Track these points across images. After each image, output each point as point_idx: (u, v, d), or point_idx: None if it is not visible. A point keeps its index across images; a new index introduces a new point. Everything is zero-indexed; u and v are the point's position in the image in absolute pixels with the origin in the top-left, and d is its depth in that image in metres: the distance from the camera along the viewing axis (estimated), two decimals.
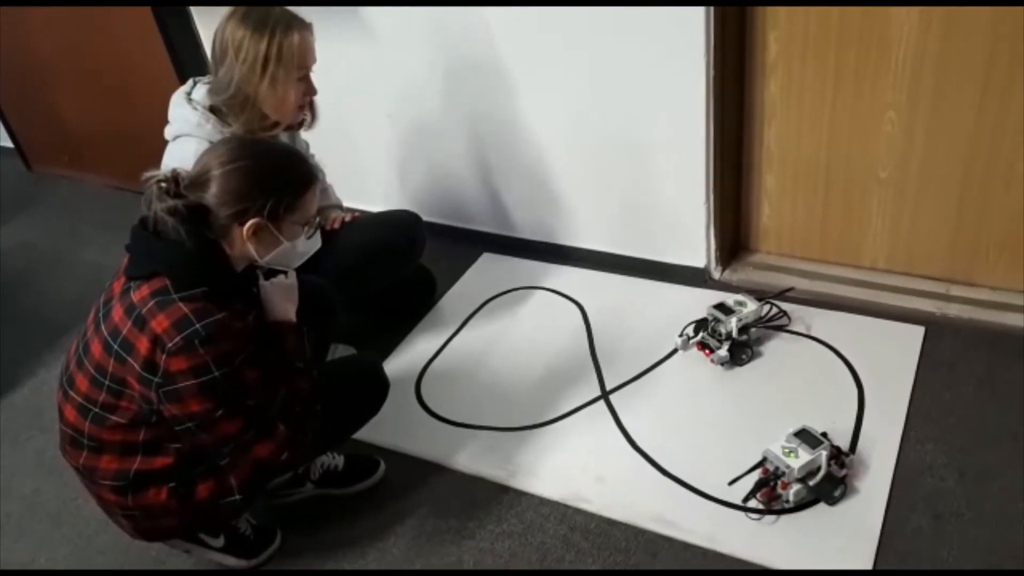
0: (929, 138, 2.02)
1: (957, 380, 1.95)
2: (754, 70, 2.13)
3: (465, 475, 1.91)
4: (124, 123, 3.14)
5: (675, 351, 2.14)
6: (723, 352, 2.02)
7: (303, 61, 1.83)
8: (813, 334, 2.12)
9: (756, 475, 1.74)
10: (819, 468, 1.67)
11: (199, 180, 1.44)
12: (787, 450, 1.69)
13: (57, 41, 3.13)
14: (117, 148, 3.26)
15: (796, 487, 1.67)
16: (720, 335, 2.05)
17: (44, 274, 2.97)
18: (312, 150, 2.19)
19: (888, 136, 2.06)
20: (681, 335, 2.11)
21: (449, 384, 2.18)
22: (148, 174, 1.43)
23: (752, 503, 1.71)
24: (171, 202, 1.40)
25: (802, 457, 1.67)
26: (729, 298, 2.09)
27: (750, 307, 2.06)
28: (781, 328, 2.14)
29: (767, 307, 2.14)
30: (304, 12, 1.88)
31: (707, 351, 2.06)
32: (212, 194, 1.43)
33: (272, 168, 1.49)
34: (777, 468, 1.69)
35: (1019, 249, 2.08)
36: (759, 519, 1.68)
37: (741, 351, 2.04)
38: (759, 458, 1.75)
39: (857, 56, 1.98)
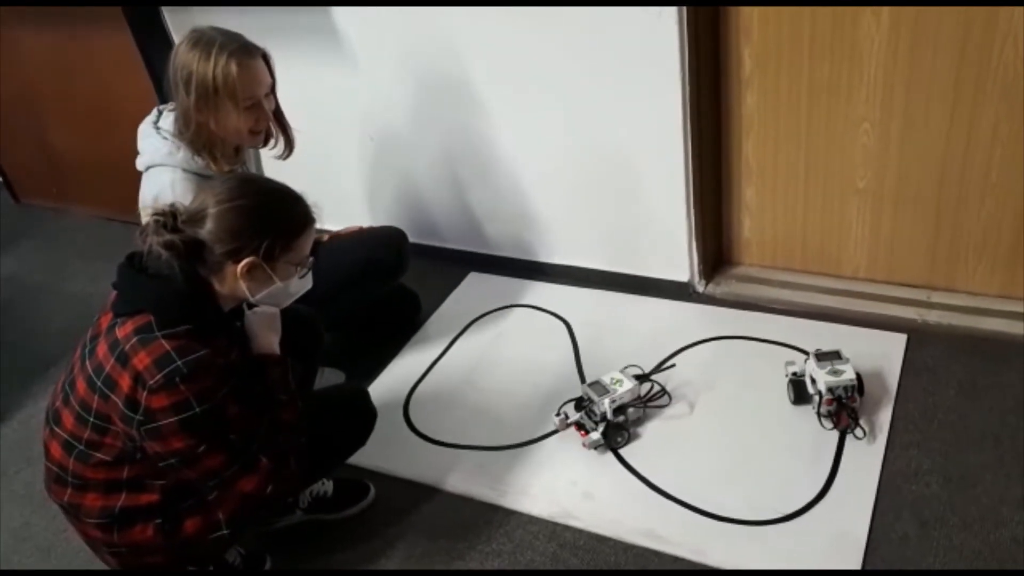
0: (904, 148, 2.05)
1: (939, 386, 1.96)
2: (730, 85, 2.16)
3: (454, 496, 1.92)
4: (111, 154, 3.15)
5: (660, 364, 2.15)
6: (595, 436, 1.90)
7: (247, 91, 1.79)
8: (796, 344, 2.13)
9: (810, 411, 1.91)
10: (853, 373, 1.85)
11: (196, 216, 1.44)
12: (832, 371, 1.83)
13: (43, 74, 3.15)
14: (104, 179, 3.27)
15: (858, 396, 1.84)
16: (595, 416, 1.95)
17: (32, 306, 2.97)
18: (291, 176, 2.20)
19: (864, 147, 2.09)
20: (559, 414, 2.00)
21: (437, 405, 2.19)
22: (144, 207, 1.44)
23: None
24: (168, 236, 1.41)
25: (848, 370, 1.83)
26: (606, 376, 1.97)
27: (626, 385, 1.94)
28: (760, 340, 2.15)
29: (647, 385, 2.04)
30: (282, 34, 1.90)
31: (583, 432, 1.94)
32: (208, 230, 1.43)
33: (269, 208, 1.49)
34: (845, 390, 1.83)
35: (997, 255, 2.10)
36: (862, 436, 1.84)
37: (617, 433, 1.92)
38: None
39: (830, 70, 2.01)
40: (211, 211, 1.43)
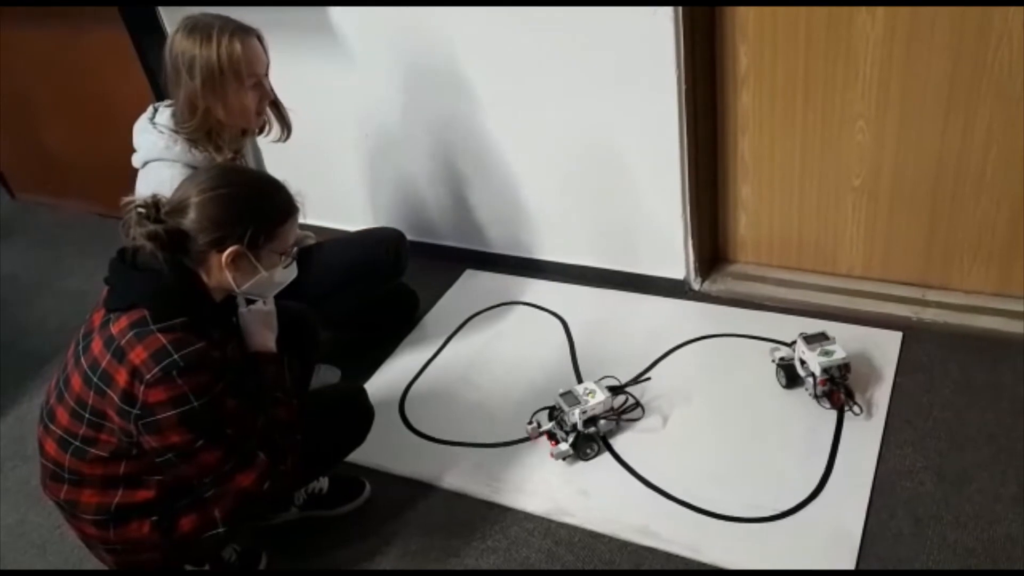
0: (900, 146, 2.05)
1: (934, 384, 1.97)
2: (726, 83, 2.16)
3: (450, 492, 1.92)
4: (106, 150, 3.13)
5: (656, 362, 2.16)
6: (564, 447, 1.89)
7: (252, 68, 1.80)
8: (790, 342, 2.13)
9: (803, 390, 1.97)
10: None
11: (179, 206, 1.44)
12: (823, 352, 1.88)
13: (39, 71, 3.14)
14: (100, 175, 3.26)
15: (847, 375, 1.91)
16: (566, 426, 1.92)
17: (27, 302, 2.97)
18: (287, 172, 2.20)
19: (859, 145, 2.09)
20: (531, 422, 1.97)
21: (433, 402, 2.19)
22: (128, 199, 1.43)
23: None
24: (151, 227, 1.40)
25: (838, 350, 1.89)
26: (579, 387, 1.94)
27: (599, 397, 1.91)
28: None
29: (621, 397, 2.02)
30: (278, 31, 1.90)
31: (554, 442, 1.92)
32: (191, 220, 1.42)
33: (252, 197, 1.49)
34: (838, 369, 1.88)
35: (992, 253, 2.11)
36: (859, 412, 1.89)
37: (586, 445, 1.90)
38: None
39: (825, 67, 2.01)
40: (193, 200, 1.42)
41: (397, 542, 1.82)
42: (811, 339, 1.93)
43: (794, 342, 1.99)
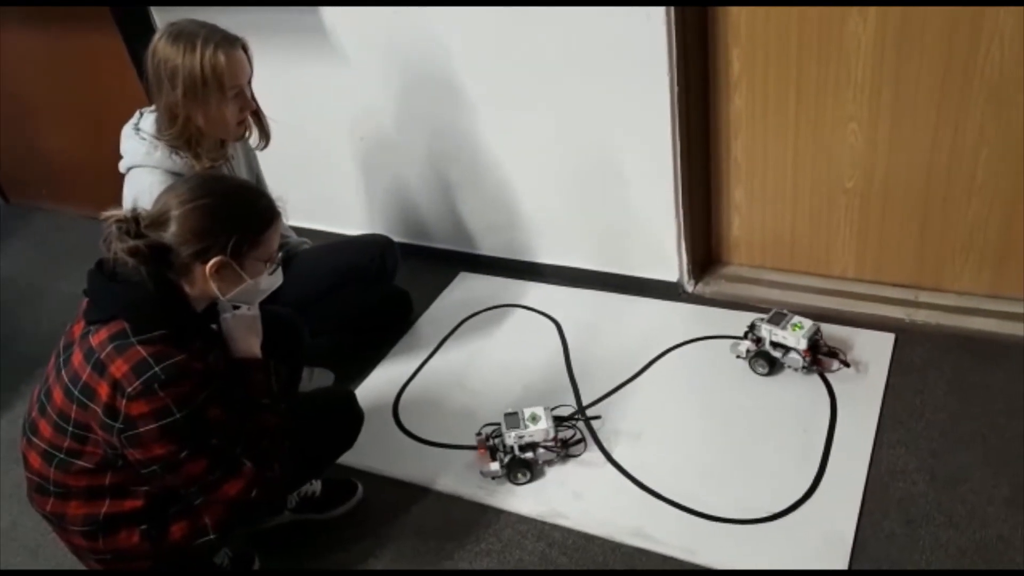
0: (892, 148, 2.06)
1: (927, 385, 1.97)
2: (718, 85, 2.16)
3: (444, 495, 1.92)
4: (101, 154, 3.12)
5: (649, 364, 2.16)
6: (494, 466, 1.88)
7: (235, 80, 1.80)
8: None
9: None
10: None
11: (159, 219, 1.42)
12: (795, 327, 1.99)
13: (32, 74, 3.14)
14: (95, 179, 3.26)
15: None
16: (504, 446, 1.90)
17: (22, 305, 2.96)
18: (282, 176, 2.20)
19: (851, 147, 2.10)
20: (479, 433, 1.97)
21: (427, 405, 2.19)
22: (107, 213, 1.41)
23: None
24: (132, 242, 1.38)
25: (802, 320, 2.01)
26: (527, 410, 1.90)
27: (541, 424, 1.87)
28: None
29: (567, 428, 1.98)
30: (272, 33, 1.89)
31: (491, 459, 1.91)
32: (172, 233, 1.41)
33: (233, 205, 1.47)
34: (815, 334, 2.00)
35: (984, 254, 2.11)
36: (849, 365, 2.01)
37: (518, 469, 1.87)
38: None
39: (817, 70, 2.02)
40: (174, 213, 1.41)
41: (390, 545, 1.82)
42: (774, 320, 2.00)
43: (747, 333, 2.06)
